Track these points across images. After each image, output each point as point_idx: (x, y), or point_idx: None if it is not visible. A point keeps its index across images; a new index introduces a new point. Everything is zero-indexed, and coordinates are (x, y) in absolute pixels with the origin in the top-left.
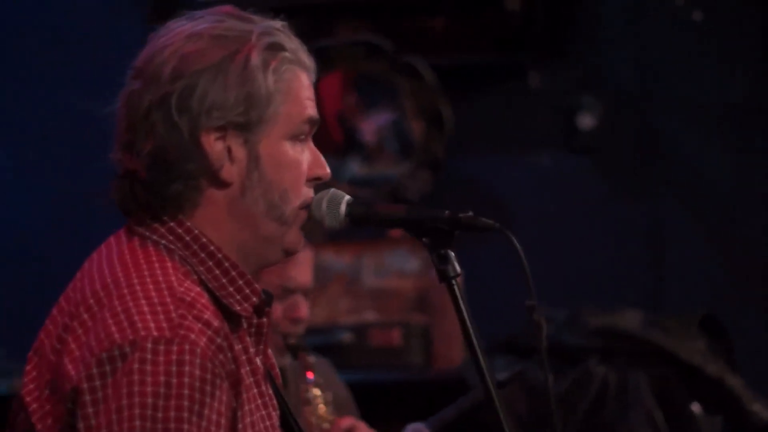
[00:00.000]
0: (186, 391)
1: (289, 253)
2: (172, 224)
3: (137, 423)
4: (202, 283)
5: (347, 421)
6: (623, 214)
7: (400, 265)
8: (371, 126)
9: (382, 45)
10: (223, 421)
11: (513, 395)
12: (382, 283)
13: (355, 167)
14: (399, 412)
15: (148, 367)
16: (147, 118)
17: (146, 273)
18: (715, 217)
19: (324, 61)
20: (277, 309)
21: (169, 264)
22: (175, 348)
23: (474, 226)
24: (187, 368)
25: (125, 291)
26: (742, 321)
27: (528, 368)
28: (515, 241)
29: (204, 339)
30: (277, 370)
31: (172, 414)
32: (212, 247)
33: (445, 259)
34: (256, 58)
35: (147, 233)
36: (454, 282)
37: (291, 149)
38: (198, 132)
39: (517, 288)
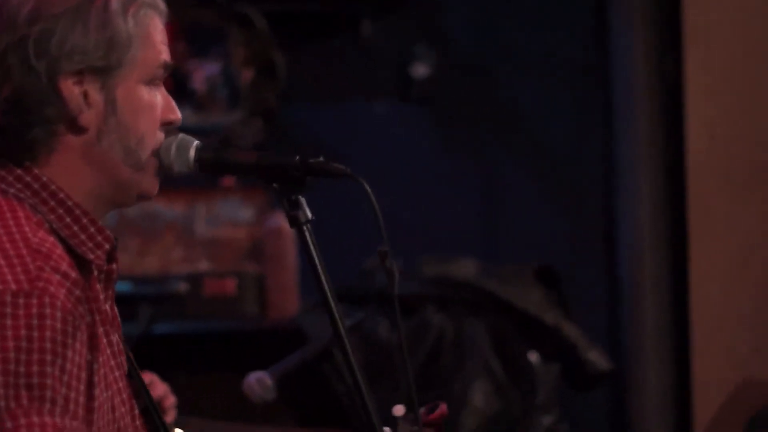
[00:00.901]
0: (48, 345)
1: (143, 198)
2: (19, 171)
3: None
4: (53, 231)
5: (146, 377)
6: (458, 165)
7: (233, 215)
8: (200, 74)
9: None
10: (83, 374)
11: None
12: (215, 233)
13: (185, 116)
14: (234, 362)
15: (9, 321)
16: (3, 62)
17: None
18: (551, 169)
19: None
20: None
21: (21, 214)
22: (34, 301)
23: (325, 171)
24: (48, 321)
25: None
26: (576, 273)
27: (364, 317)
28: (367, 187)
29: (63, 291)
30: (116, 312)
31: (35, 368)
32: (62, 195)
33: (296, 205)
34: (115, 2)
35: None
36: (305, 227)
37: (147, 94)
38: (56, 76)
39: (348, 235)
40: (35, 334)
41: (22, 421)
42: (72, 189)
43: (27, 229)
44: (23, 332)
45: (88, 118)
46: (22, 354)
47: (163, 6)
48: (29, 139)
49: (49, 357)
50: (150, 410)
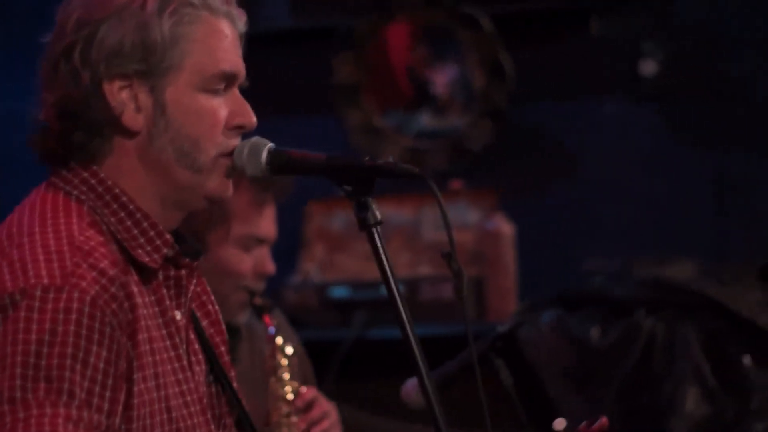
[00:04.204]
0: (70, 339)
1: (213, 200)
2: (85, 175)
3: (18, 370)
4: (110, 233)
5: (310, 393)
6: (688, 161)
7: (460, 218)
8: (443, 79)
9: None
10: (111, 369)
11: (557, 346)
12: (442, 237)
13: (424, 120)
14: None
15: (35, 315)
16: (56, 69)
17: (49, 222)
18: None
19: (384, 12)
20: (248, 262)
21: (74, 213)
22: (64, 296)
23: (394, 172)
24: (73, 316)
25: (24, 240)
26: None
27: (571, 320)
28: (434, 188)
29: (96, 287)
30: (222, 325)
31: (55, 361)
32: (125, 198)
33: (365, 207)
34: (152, 4)
35: (61, 184)
36: (374, 230)
37: (202, 99)
38: (100, 81)
39: (573, 241)
40: (60, 327)
41: (35, 411)
42: (135, 192)
43: (75, 228)
44: (48, 326)
45: (137, 121)
46: (44, 347)
47: (224, 7)
48: (75, 142)
49: (70, 350)
50: (243, 421)
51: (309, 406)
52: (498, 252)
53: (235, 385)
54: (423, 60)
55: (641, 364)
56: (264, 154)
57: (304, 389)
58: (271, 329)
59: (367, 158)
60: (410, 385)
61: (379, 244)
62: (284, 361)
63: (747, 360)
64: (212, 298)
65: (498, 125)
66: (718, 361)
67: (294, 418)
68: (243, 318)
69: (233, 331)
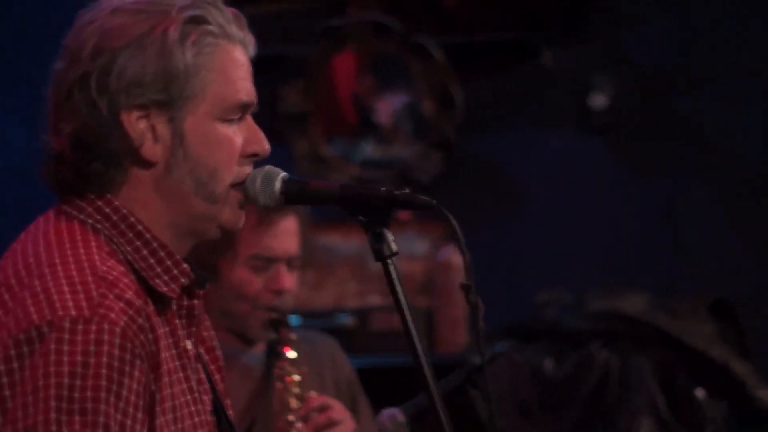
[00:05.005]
0: (104, 371)
1: (226, 230)
2: (99, 203)
3: (53, 404)
4: (128, 263)
5: (318, 400)
6: (638, 194)
7: (408, 248)
8: (387, 108)
9: (392, 25)
10: (141, 402)
11: (511, 377)
12: None
13: (369, 149)
14: (401, 397)
15: (65, 347)
16: (69, 98)
17: (69, 252)
18: (735, 196)
19: (334, 41)
20: (257, 282)
21: (93, 243)
22: (93, 327)
23: (410, 203)
24: (105, 348)
25: (46, 271)
26: (762, 303)
27: (525, 351)
28: (452, 219)
29: (125, 318)
30: (217, 350)
31: (89, 394)
32: (140, 227)
33: (381, 238)
34: (173, 33)
35: (74, 212)
36: (389, 262)
37: (220, 127)
38: (118, 111)
39: (523, 273)
40: (92, 360)
41: None
42: (150, 221)
43: (96, 257)
44: (79, 358)
45: (155, 151)
46: (77, 379)
47: (241, 35)
48: (92, 172)
49: (104, 383)
50: None
51: (318, 413)
52: (448, 283)
53: (229, 412)
54: (368, 88)
55: (596, 396)
56: (278, 184)
57: (313, 394)
58: (287, 349)
59: (383, 189)
60: (386, 415)
61: (394, 276)
62: (292, 370)
63: (700, 392)
64: (208, 323)
65: (447, 156)
66: (671, 393)
67: (298, 425)
68: (272, 334)
69: (272, 348)
